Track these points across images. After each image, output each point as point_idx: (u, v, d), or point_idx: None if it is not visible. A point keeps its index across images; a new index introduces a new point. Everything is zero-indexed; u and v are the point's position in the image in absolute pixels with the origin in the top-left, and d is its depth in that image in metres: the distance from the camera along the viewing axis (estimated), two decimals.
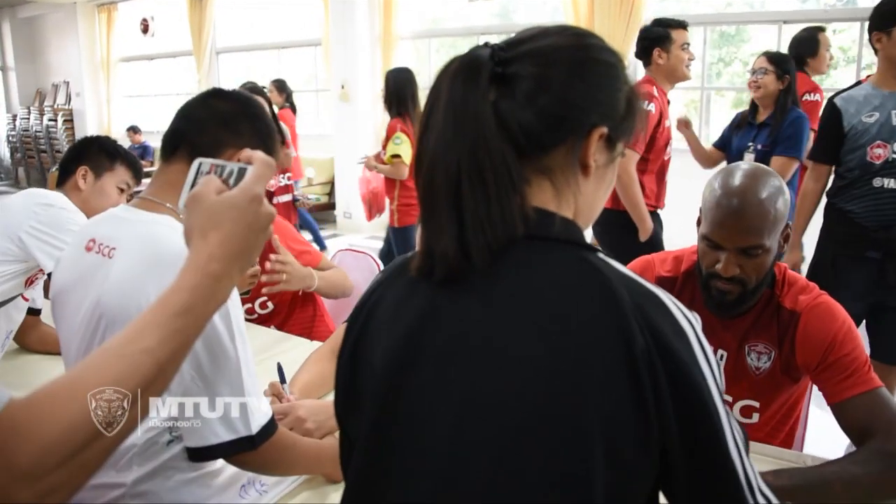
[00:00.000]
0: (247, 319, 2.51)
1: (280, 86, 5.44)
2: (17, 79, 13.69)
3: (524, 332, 0.74)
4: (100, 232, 1.30)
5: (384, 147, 4.62)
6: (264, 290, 2.33)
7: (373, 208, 4.90)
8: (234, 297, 1.25)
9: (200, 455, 1.20)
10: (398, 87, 4.55)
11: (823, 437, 1.85)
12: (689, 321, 0.76)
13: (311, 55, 9.55)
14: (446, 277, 0.78)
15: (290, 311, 2.61)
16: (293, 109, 6.48)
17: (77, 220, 2.03)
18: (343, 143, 8.39)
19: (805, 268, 3.13)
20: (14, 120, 13.26)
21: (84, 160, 2.19)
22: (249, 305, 2.53)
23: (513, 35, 0.85)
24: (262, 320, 2.57)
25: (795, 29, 6.37)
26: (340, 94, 8.20)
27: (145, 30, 11.64)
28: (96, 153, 2.21)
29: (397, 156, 4.46)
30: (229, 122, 1.34)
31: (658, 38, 3.48)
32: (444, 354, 0.77)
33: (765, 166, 1.58)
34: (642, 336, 0.71)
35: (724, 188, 1.50)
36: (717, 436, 0.72)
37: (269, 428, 1.23)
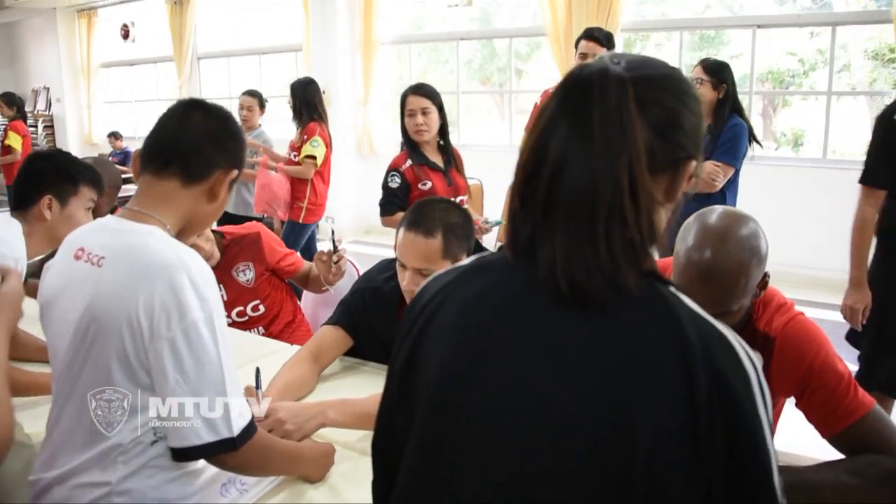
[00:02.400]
0: (236, 321, 2.58)
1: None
2: None
3: (592, 358, 0.75)
4: (89, 241, 1.34)
5: (297, 148, 4.87)
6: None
7: (279, 209, 4.99)
8: (218, 304, 1.29)
9: (183, 455, 1.26)
10: (308, 96, 4.85)
11: (794, 428, 1.88)
12: (753, 363, 0.76)
13: (292, 60, 9.55)
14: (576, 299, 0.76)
15: (277, 314, 2.69)
16: None
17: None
18: None
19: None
20: None
21: (45, 188, 2.01)
22: (241, 308, 2.60)
23: (629, 55, 0.82)
24: (252, 322, 2.67)
25: (770, 33, 6.50)
26: None
27: (126, 35, 11.58)
28: (57, 179, 2.03)
29: (312, 157, 4.76)
30: (218, 141, 1.40)
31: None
32: (510, 366, 0.78)
33: (742, 214, 1.47)
34: (706, 380, 0.72)
35: (693, 250, 1.39)
36: (766, 476, 0.74)
37: (249, 430, 1.29)
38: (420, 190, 3.21)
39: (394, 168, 3.29)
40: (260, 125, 5.26)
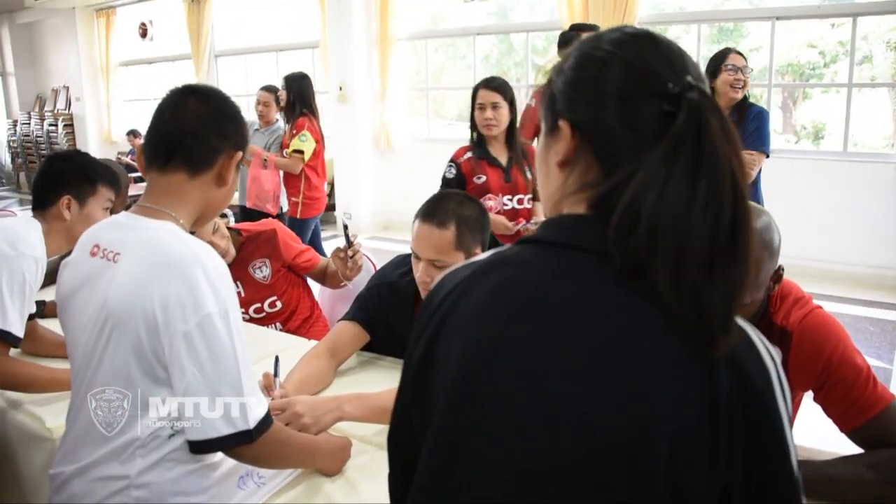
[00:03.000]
0: (254, 318, 2.60)
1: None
2: (17, 84, 13.72)
3: (609, 356, 0.73)
4: (104, 237, 1.36)
5: (287, 145, 4.91)
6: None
7: (268, 203, 5.08)
8: (233, 299, 1.30)
9: (201, 448, 1.27)
10: (301, 90, 4.92)
11: (812, 421, 1.87)
12: (773, 358, 0.75)
13: (309, 57, 9.58)
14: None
15: (294, 310, 2.70)
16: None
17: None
18: (342, 144, 8.42)
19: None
20: (15, 125, 13.30)
21: (64, 188, 2.05)
22: (259, 304, 2.62)
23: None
24: (269, 318, 2.69)
25: (790, 25, 6.43)
26: (338, 95, 8.23)
27: (144, 34, 11.67)
28: (76, 180, 2.07)
29: (300, 151, 4.82)
30: (217, 126, 1.39)
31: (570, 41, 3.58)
32: (524, 363, 0.77)
33: (755, 207, 1.36)
34: (727, 378, 0.70)
35: None
36: (786, 471, 0.73)
37: (266, 422, 1.29)
38: (475, 183, 3.22)
39: (452, 159, 3.32)
40: (277, 120, 5.28)
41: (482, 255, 0.89)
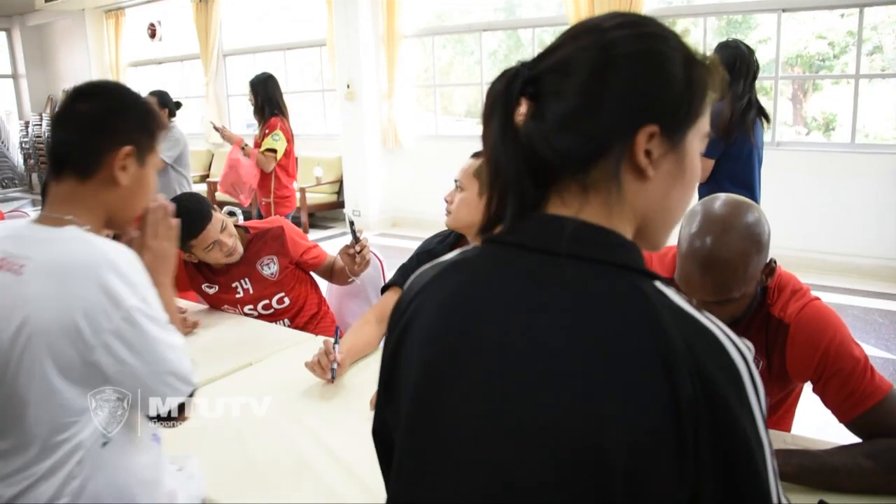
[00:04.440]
0: (262, 314, 2.63)
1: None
2: (29, 86, 13.80)
3: (564, 364, 0.71)
4: (6, 248, 1.30)
5: (258, 143, 5.06)
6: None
7: (242, 194, 5.18)
8: (150, 288, 1.31)
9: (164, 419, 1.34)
10: (269, 92, 5.04)
11: (810, 411, 1.87)
12: (744, 357, 0.72)
13: (317, 55, 9.60)
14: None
15: (302, 306, 2.73)
16: None
17: None
18: (350, 142, 8.45)
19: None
20: (26, 126, 13.38)
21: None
22: (267, 301, 2.65)
23: (553, 43, 0.81)
24: (277, 314, 2.72)
25: (798, 17, 6.40)
26: (346, 93, 8.26)
27: (153, 34, 11.72)
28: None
29: (272, 150, 4.95)
30: (100, 125, 1.34)
31: None
32: (482, 371, 0.76)
33: (745, 202, 1.46)
34: (691, 383, 0.68)
35: (695, 237, 1.41)
36: (758, 477, 0.70)
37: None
38: None
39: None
40: (171, 121, 5.22)
41: (448, 256, 0.88)
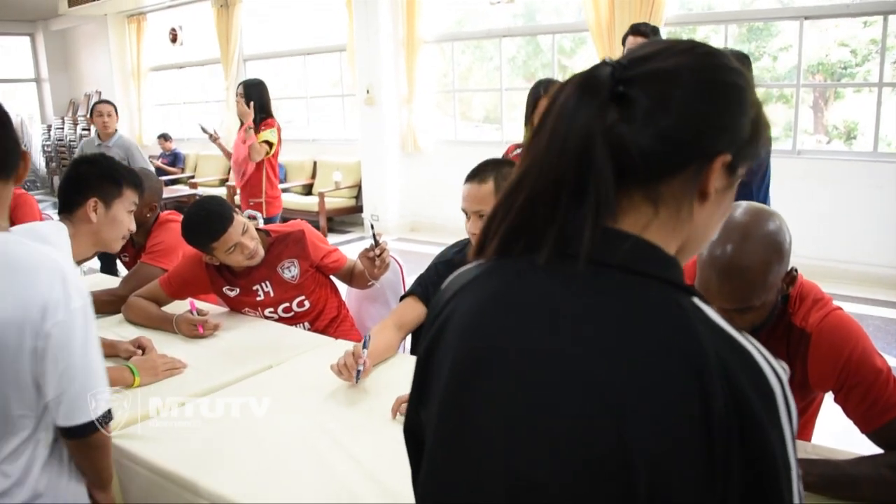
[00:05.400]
0: (283, 317, 2.66)
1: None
2: (51, 90, 13.97)
3: (595, 374, 0.71)
4: None
5: (243, 140, 5.19)
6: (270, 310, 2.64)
7: (236, 175, 5.39)
8: (87, 294, 1.43)
9: (72, 433, 1.42)
10: (261, 96, 5.22)
11: (832, 422, 1.86)
12: (779, 378, 0.72)
13: (337, 60, 9.65)
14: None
15: (322, 310, 2.74)
16: None
17: None
18: (369, 146, 8.48)
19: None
20: (49, 130, 13.53)
21: (90, 191, 2.06)
22: (287, 304, 2.67)
23: (641, 51, 0.80)
24: (298, 317, 2.73)
25: (821, 24, 6.36)
26: (366, 98, 8.29)
27: (174, 39, 11.82)
28: (100, 182, 2.09)
29: (268, 142, 5.13)
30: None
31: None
32: (511, 374, 0.76)
33: (766, 210, 1.47)
34: (724, 399, 0.68)
35: (715, 246, 1.40)
36: (780, 499, 0.70)
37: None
38: None
39: (503, 156, 3.44)
40: (117, 131, 5.48)
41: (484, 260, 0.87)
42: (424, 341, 0.90)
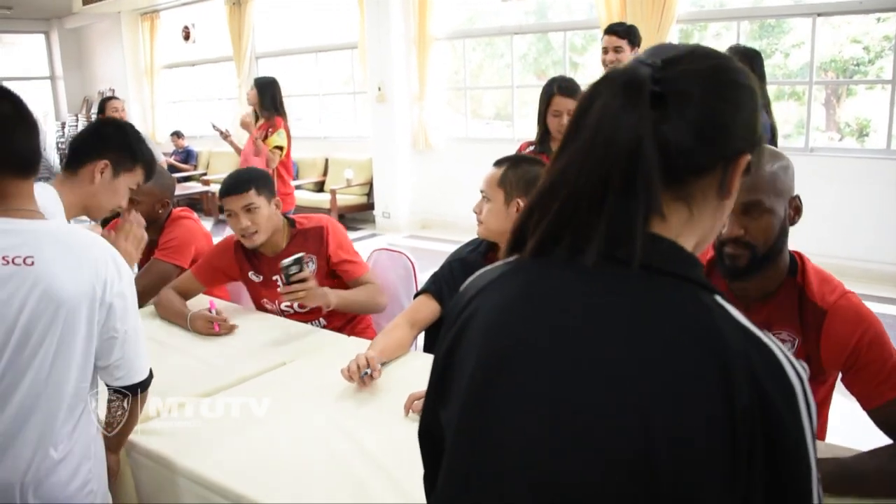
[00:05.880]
0: (297, 311, 2.70)
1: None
2: (66, 87, 14.04)
3: (619, 370, 0.73)
4: (3, 245, 1.44)
5: (263, 139, 5.36)
6: (284, 304, 2.68)
7: None
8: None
9: (132, 389, 1.59)
10: (274, 93, 5.42)
11: (847, 425, 1.87)
12: (800, 377, 0.73)
13: (348, 58, 9.67)
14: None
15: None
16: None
17: None
18: (380, 143, 8.50)
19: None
20: (63, 127, 13.60)
21: (107, 152, 1.98)
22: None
23: (667, 53, 0.81)
24: (313, 313, 2.73)
25: (834, 21, 6.33)
26: (377, 95, 8.31)
27: (187, 37, 11.86)
28: (119, 149, 2.01)
29: (279, 147, 5.27)
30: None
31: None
32: (536, 372, 0.77)
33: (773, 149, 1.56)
34: (749, 396, 0.69)
35: None
36: (806, 491, 0.72)
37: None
38: None
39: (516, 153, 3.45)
40: None
41: (511, 258, 0.88)
42: (444, 341, 0.90)
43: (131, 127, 2.15)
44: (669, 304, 0.75)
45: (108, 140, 2.02)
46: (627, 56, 3.43)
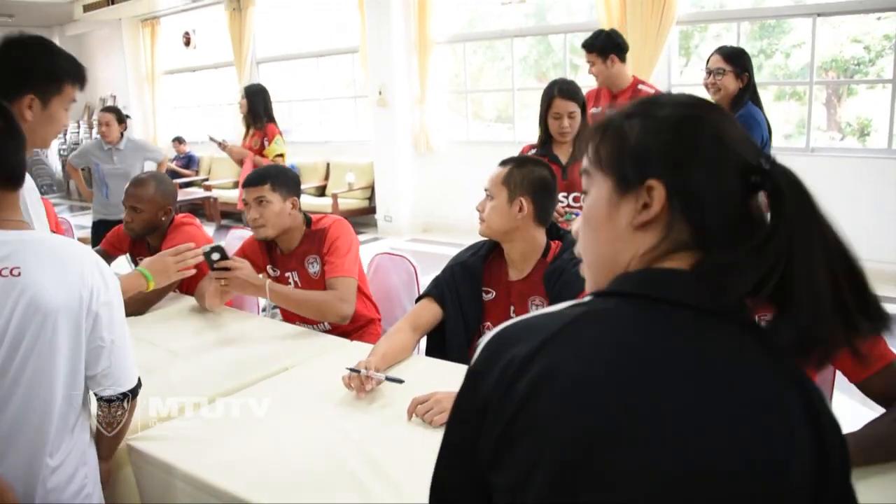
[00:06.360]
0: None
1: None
2: None
3: (736, 426, 0.72)
4: None
5: (258, 151, 5.48)
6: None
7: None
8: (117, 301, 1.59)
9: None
10: (265, 100, 5.52)
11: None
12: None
13: (349, 62, 9.69)
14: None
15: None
16: None
17: None
18: (382, 147, 8.51)
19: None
20: (64, 134, 13.63)
21: (27, 86, 1.83)
22: None
23: None
24: None
25: (834, 21, 6.33)
26: (378, 99, 8.32)
27: (187, 42, 11.88)
28: (38, 76, 1.85)
29: (281, 156, 5.37)
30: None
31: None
32: (657, 426, 0.71)
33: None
34: (832, 436, 0.75)
35: None
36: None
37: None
38: None
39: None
40: (122, 137, 5.31)
41: (564, 306, 0.81)
42: (503, 393, 0.76)
43: (40, 42, 1.97)
44: (752, 353, 0.78)
45: (23, 73, 1.84)
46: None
